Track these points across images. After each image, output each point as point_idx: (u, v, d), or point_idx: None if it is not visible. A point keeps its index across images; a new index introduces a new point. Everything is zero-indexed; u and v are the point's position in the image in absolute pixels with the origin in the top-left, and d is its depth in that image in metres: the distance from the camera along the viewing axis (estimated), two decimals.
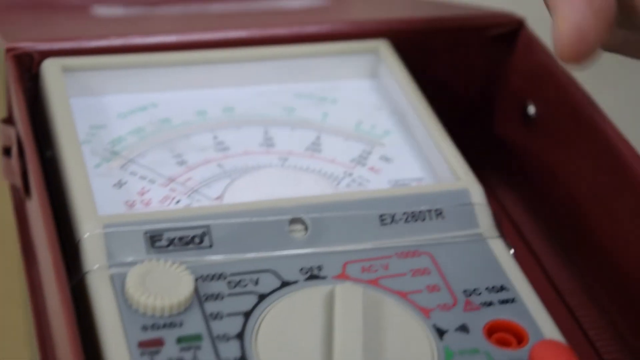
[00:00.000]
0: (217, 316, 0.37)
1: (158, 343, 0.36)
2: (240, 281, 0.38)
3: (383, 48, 0.48)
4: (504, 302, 0.39)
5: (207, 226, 0.39)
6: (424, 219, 0.41)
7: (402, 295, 0.39)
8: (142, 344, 0.36)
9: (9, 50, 0.44)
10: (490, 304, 0.39)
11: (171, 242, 0.39)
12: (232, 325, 0.37)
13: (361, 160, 0.45)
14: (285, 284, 0.38)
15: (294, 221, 0.40)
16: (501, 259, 0.41)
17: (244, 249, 0.39)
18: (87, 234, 0.38)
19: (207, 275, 0.38)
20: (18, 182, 0.43)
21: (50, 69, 0.44)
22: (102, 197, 0.41)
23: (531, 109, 0.50)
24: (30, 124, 0.42)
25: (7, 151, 0.44)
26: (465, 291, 0.39)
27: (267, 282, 0.38)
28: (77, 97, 0.45)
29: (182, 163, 0.44)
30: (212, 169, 0.44)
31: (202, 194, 0.42)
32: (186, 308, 0.37)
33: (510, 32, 0.51)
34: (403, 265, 0.40)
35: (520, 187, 0.51)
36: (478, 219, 0.42)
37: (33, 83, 0.45)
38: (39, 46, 0.45)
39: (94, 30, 0.51)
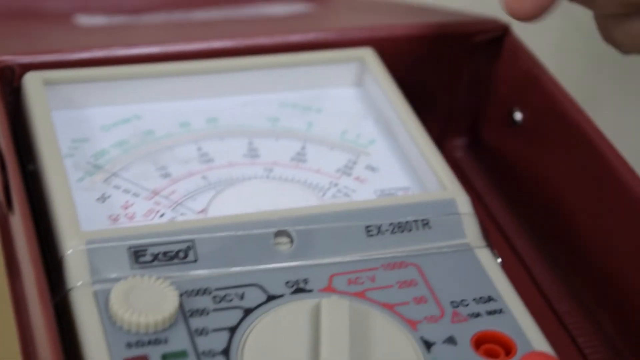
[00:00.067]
0: (202, 332, 0.37)
1: None
2: (225, 296, 0.38)
3: (368, 56, 0.48)
4: (491, 313, 0.39)
5: (192, 240, 0.39)
6: (410, 230, 0.41)
7: (389, 308, 0.38)
8: None
9: None
10: (477, 315, 0.39)
11: (155, 257, 0.38)
12: (218, 341, 0.36)
13: (347, 170, 0.45)
14: (271, 298, 0.38)
15: (279, 234, 0.40)
16: (488, 269, 0.40)
17: (229, 263, 0.39)
18: (70, 250, 0.38)
19: (192, 290, 0.38)
20: (0, 196, 0.43)
21: (32, 82, 0.44)
22: (86, 211, 0.41)
23: (518, 115, 0.50)
24: (12, 138, 0.41)
25: None
26: (452, 302, 0.39)
27: (253, 297, 0.38)
28: (59, 110, 0.45)
29: (166, 175, 0.43)
30: (197, 181, 0.43)
31: (186, 206, 0.42)
32: (171, 324, 0.37)
33: (495, 38, 0.51)
34: (390, 276, 0.40)
35: (507, 194, 0.51)
36: (465, 228, 0.41)
37: (15, 96, 0.44)
38: (20, 59, 0.44)
39: (76, 42, 0.51)
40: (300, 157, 0.45)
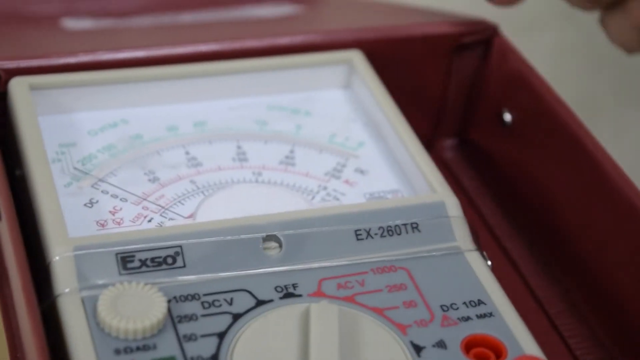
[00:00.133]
0: (191, 338, 0.36)
1: None
2: (214, 301, 0.38)
3: (356, 59, 0.48)
4: (481, 316, 0.39)
5: (180, 246, 0.39)
6: (399, 233, 0.41)
7: (379, 312, 0.38)
8: None
9: None
10: (467, 318, 0.39)
11: (143, 263, 0.38)
12: (207, 347, 0.36)
13: (336, 173, 0.45)
14: (260, 303, 0.38)
15: (267, 238, 0.40)
16: (478, 273, 0.40)
17: (218, 268, 0.39)
18: (57, 257, 0.37)
19: (181, 296, 0.38)
20: None
21: (18, 87, 0.44)
22: (73, 217, 0.41)
23: (507, 116, 0.50)
24: None
25: None
26: (442, 306, 0.39)
27: (242, 302, 0.38)
28: (46, 115, 0.44)
29: (154, 180, 0.43)
30: (185, 185, 0.43)
31: (174, 211, 0.42)
32: (159, 330, 0.36)
33: (484, 39, 0.50)
34: (379, 280, 0.39)
35: (497, 194, 0.51)
36: (454, 232, 0.41)
37: (1, 102, 0.44)
38: (6, 64, 0.44)
39: (63, 46, 0.51)
40: (289, 161, 0.45)
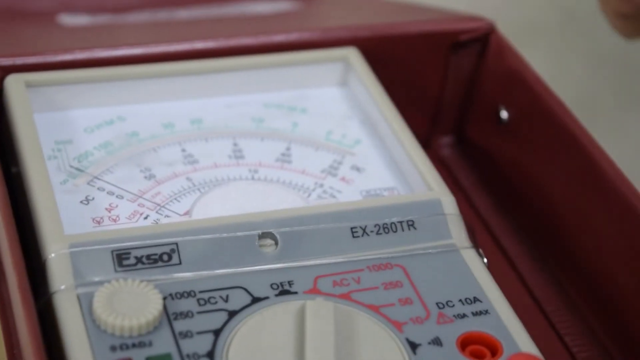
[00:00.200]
0: (186, 335, 0.36)
1: None
2: (210, 298, 0.38)
3: (352, 56, 0.48)
4: (477, 314, 0.39)
5: (176, 243, 0.39)
6: (395, 231, 0.41)
7: (374, 309, 0.38)
8: None
9: None
10: (463, 316, 0.39)
11: (139, 260, 0.38)
12: (203, 344, 0.36)
13: (332, 170, 0.45)
14: (256, 300, 0.38)
15: (263, 236, 0.40)
16: (474, 270, 0.40)
17: (214, 265, 0.39)
18: (53, 254, 0.37)
19: (176, 293, 0.38)
20: None
21: (14, 85, 0.44)
22: (69, 214, 0.41)
23: (504, 114, 0.50)
24: None
25: None
26: (438, 303, 0.39)
27: (238, 299, 0.38)
28: (42, 112, 0.44)
29: (150, 177, 0.43)
30: (181, 182, 0.43)
31: (170, 209, 0.42)
32: (155, 327, 0.36)
33: (481, 36, 0.50)
34: (375, 278, 0.39)
35: (494, 192, 0.51)
36: (450, 229, 0.41)
37: None
38: (1, 62, 0.44)
39: (59, 43, 0.51)
40: (285, 158, 0.45)
